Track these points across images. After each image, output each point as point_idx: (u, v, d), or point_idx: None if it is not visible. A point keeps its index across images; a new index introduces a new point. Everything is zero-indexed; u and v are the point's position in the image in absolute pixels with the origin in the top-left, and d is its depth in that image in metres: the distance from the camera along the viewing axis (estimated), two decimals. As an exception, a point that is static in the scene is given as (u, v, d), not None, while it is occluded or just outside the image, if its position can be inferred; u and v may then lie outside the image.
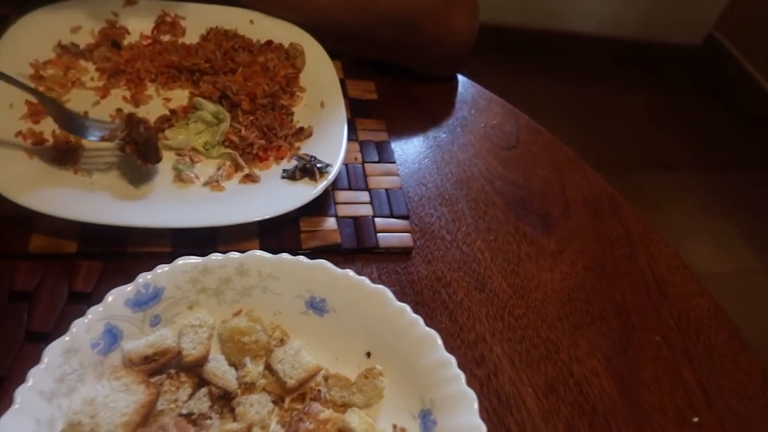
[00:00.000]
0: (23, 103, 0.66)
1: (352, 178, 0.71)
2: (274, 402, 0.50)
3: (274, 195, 0.64)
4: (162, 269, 0.52)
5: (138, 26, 0.78)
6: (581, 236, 0.74)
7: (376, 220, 0.68)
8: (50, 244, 0.58)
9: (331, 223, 0.66)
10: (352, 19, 0.81)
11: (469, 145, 0.82)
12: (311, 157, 0.66)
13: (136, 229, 0.59)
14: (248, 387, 0.50)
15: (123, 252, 0.59)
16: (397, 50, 0.85)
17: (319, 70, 0.78)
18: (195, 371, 0.50)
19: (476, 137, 0.83)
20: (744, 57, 2.75)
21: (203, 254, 0.54)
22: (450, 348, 0.52)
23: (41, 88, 0.68)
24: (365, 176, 0.72)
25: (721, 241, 2.15)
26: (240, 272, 0.54)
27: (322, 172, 0.65)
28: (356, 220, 0.67)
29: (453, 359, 0.51)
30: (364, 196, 0.70)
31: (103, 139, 0.62)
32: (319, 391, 0.52)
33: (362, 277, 0.55)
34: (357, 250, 0.65)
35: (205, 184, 0.65)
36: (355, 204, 0.69)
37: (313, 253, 0.61)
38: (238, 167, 0.67)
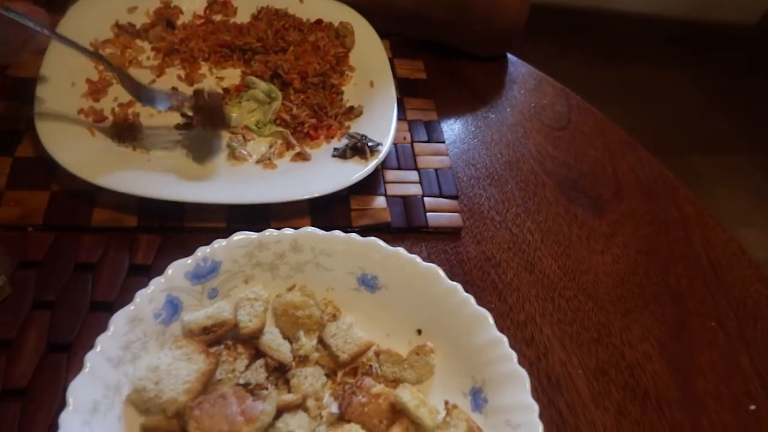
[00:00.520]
0: (83, 82, 0.68)
1: (401, 157, 0.71)
2: (327, 375, 0.51)
3: (325, 173, 0.64)
4: (219, 243, 0.53)
5: (191, 6, 0.80)
6: (634, 219, 0.73)
7: (426, 199, 0.68)
8: (112, 218, 0.60)
9: (380, 201, 0.66)
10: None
11: (519, 125, 0.81)
12: (362, 135, 0.67)
13: (192, 204, 0.60)
14: (302, 360, 0.51)
15: (180, 226, 0.61)
16: (447, 29, 0.84)
17: (369, 50, 0.78)
18: (251, 343, 0.51)
19: (526, 117, 0.82)
20: (804, 36, 2.62)
21: (256, 230, 0.55)
22: (499, 328, 0.52)
23: (100, 68, 0.70)
24: (414, 156, 0.72)
25: (776, 228, 2.07)
26: (294, 248, 0.55)
27: (373, 150, 0.66)
28: (405, 199, 0.67)
29: (505, 338, 0.51)
30: (414, 175, 0.70)
31: (171, 108, 0.64)
32: (370, 366, 0.53)
33: (413, 255, 0.55)
34: (406, 229, 0.65)
35: (258, 161, 0.66)
36: (404, 183, 0.69)
37: (363, 231, 0.61)
38: (289, 145, 0.68)
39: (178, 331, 0.50)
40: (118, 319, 0.47)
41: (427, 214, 0.66)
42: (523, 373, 0.49)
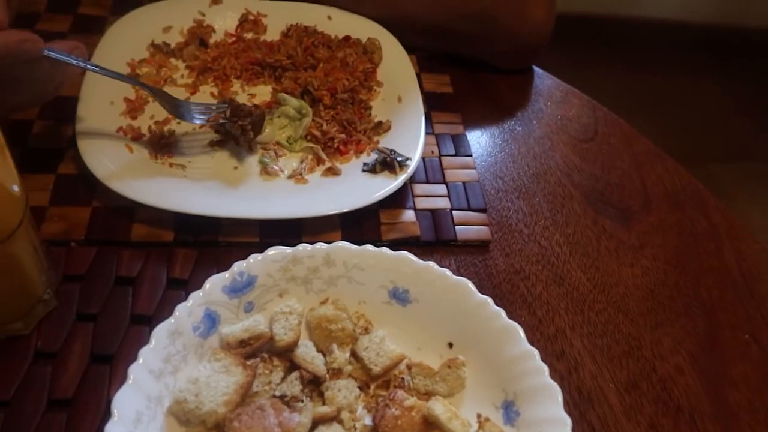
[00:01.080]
0: (122, 100, 0.71)
1: (429, 171, 0.72)
2: (360, 388, 0.52)
3: (356, 187, 0.66)
4: (255, 258, 0.54)
5: (223, 24, 0.82)
6: (663, 230, 0.72)
7: (454, 212, 0.68)
8: (150, 233, 0.62)
9: (409, 215, 0.67)
10: (428, 11, 0.82)
11: (546, 137, 0.81)
12: (391, 150, 0.68)
13: (226, 219, 0.62)
14: (336, 373, 0.52)
15: (215, 241, 0.62)
16: (473, 43, 0.85)
17: (396, 65, 0.79)
18: (286, 356, 0.52)
19: (552, 129, 0.82)
20: (834, 41, 2.57)
21: (289, 244, 0.56)
22: (530, 341, 0.52)
23: (136, 87, 0.72)
24: (442, 169, 0.73)
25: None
26: (327, 262, 0.56)
27: (402, 165, 0.67)
28: (434, 212, 0.68)
29: (536, 351, 0.51)
30: (442, 189, 0.71)
31: (209, 120, 0.67)
32: (402, 379, 0.53)
33: (444, 269, 0.56)
34: (435, 242, 0.66)
35: (290, 176, 0.68)
36: (432, 197, 0.70)
37: (393, 245, 0.62)
38: (320, 161, 0.70)
39: (215, 344, 0.52)
40: (159, 333, 0.49)
41: (456, 227, 0.67)
42: (556, 387, 0.49)
